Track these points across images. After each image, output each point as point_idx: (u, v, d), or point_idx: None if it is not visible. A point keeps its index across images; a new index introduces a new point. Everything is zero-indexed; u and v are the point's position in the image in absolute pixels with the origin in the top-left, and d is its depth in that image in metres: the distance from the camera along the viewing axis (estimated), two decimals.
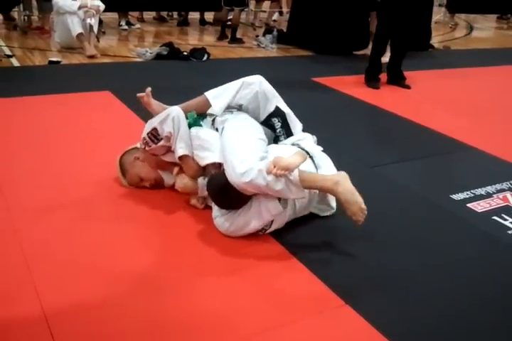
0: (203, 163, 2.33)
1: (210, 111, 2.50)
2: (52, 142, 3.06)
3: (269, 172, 2.00)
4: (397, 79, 5.10)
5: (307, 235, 2.26)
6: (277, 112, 2.46)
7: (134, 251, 2.12)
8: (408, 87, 5.03)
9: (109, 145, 3.08)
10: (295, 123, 2.53)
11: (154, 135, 2.42)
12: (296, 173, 2.05)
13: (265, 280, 1.99)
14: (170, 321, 1.74)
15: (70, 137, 3.16)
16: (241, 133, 2.27)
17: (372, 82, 5.00)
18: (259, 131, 2.37)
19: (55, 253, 2.04)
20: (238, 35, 6.98)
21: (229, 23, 7.04)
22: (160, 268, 2.02)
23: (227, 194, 2.09)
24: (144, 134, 2.46)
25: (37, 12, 6.64)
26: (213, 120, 2.48)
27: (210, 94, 2.48)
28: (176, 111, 2.41)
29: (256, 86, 2.43)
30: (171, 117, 2.37)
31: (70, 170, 2.74)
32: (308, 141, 2.46)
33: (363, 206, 2.08)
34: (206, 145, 2.33)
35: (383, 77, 5.12)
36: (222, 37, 6.94)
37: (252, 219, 2.14)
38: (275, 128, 2.48)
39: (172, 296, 1.86)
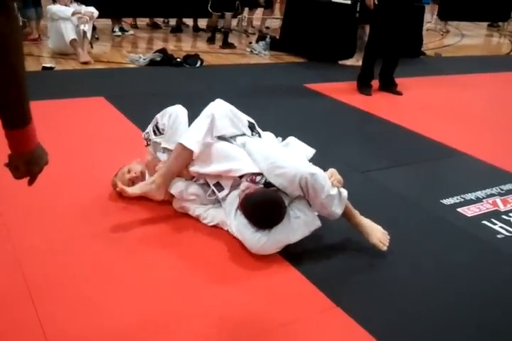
0: (239, 173, 2.23)
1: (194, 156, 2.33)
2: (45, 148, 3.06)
3: None
4: (388, 86, 5.15)
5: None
6: (252, 125, 2.44)
7: (130, 268, 2.12)
8: (400, 94, 5.09)
9: (103, 151, 3.10)
10: (261, 132, 2.52)
11: (158, 127, 2.53)
12: (345, 191, 2.19)
13: (256, 284, 2.01)
14: (156, 328, 1.75)
15: (63, 143, 3.17)
16: (271, 144, 2.40)
17: (364, 88, 5.05)
18: None
19: (57, 280, 2.02)
20: (231, 41, 7.03)
21: (222, 28, 7.12)
22: (149, 276, 2.04)
23: (270, 211, 2.11)
24: (150, 127, 2.58)
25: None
26: None
27: (183, 140, 2.30)
28: (175, 108, 2.52)
29: (228, 112, 2.34)
30: (168, 113, 2.50)
31: (64, 177, 2.73)
32: (295, 145, 2.48)
33: (384, 231, 2.24)
34: (232, 154, 2.27)
35: (375, 83, 5.16)
36: (211, 40, 7.04)
37: (290, 234, 2.14)
38: (255, 135, 2.48)
39: (162, 303, 1.87)
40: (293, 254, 2.18)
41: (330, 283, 2.03)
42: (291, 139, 2.52)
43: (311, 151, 2.47)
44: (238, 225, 2.18)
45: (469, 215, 2.71)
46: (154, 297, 1.88)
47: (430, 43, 8.40)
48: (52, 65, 5.08)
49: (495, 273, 2.23)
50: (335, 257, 2.22)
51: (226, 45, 6.91)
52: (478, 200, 2.89)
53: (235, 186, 2.27)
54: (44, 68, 4.97)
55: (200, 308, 1.85)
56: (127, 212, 2.45)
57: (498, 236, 2.53)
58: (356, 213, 2.28)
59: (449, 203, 2.83)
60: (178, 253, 2.17)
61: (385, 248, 2.21)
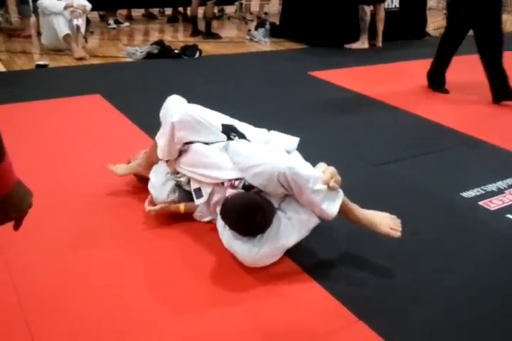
0: (215, 181, 2.06)
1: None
2: (42, 150, 2.92)
3: (326, 183, 1.90)
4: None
5: (317, 249, 2.12)
6: (227, 128, 2.21)
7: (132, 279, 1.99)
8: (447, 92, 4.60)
9: (101, 152, 2.95)
10: (248, 130, 2.30)
11: None
12: (341, 190, 1.98)
13: (276, 299, 1.85)
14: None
15: (60, 145, 3.03)
16: (252, 144, 2.16)
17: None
18: None
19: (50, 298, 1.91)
20: (230, 29, 6.81)
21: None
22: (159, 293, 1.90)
23: (251, 214, 1.89)
24: None
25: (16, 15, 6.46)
26: None
27: (157, 138, 2.29)
28: (168, 99, 2.35)
29: (191, 123, 2.11)
30: (164, 106, 2.34)
31: (63, 180, 2.60)
32: (276, 139, 2.27)
33: (393, 216, 2.03)
34: (211, 160, 2.09)
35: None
36: (195, 33, 6.60)
37: (284, 239, 1.95)
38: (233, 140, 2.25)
39: (176, 317, 1.74)
40: (311, 266, 2.02)
41: (351, 295, 1.87)
42: (272, 134, 2.31)
43: (295, 141, 2.27)
44: (228, 239, 1.98)
45: (492, 209, 2.55)
46: (169, 311, 1.75)
47: (434, 23, 8.17)
48: (46, 62, 4.90)
49: None
50: (354, 266, 2.05)
51: (209, 35, 6.53)
52: (500, 192, 2.72)
53: (219, 196, 2.08)
54: (38, 66, 4.79)
55: (219, 325, 1.70)
56: (128, 214, 2.31)
57: None
58: (355, 206, 2.04)
59: (469, 196, 2.66)
60: (187, 266, 2.01)
61: (398, 234, 1.98)
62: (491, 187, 2.77)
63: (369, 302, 1.86)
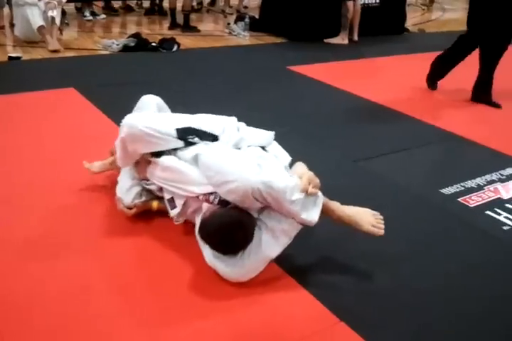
0: (189, 195, 1.98)
1: None
2: (14, 146, 2.83)
3: (304, 191, 1.79)
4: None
5: (300, 253, 2.05)
6: (183, 132, 2.07)
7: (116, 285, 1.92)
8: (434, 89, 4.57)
9: (74, 147, 2.87)
10: (211, 124, 2.17)
11: None
12: (321, 194, 1.88)
13: (259, 300, 1.81)
14: None
15: (32, 140, 2.93)
16: (222, 152, 2.00)
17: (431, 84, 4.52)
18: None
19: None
20: (210, 22, 6.72)
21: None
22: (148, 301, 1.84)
23: (234, 235, 1.79)
24: None
25: None
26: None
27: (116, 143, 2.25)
28: (140, 99, 2.40)
29: (139, 135, 1.99)
30: (136, 107, 2.40)
31: (36, 178, 2.51)
32: (250, 137, 2.16)
33: (374, 212, 1.95)
34: (190, 179, 1.95)
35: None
36: (173, 26, 6.49)
37: (267, 251, 1.87)
38: (195, 142, 2.08)
39: (165, 325, 1.68)
40: (293, 268, 1.98)
41: (333, 297, 1.84)
42: (244, 131, 2.20)
43: (269, 136, 2.19)
44: (209, 256, 1.91)
45: (471, 205, 2.54)
46: (157, 319, 1.69)
47: (413, 19, 8.19)
48: (19, 55, 4.77)
49: (505, 267, 2.08)
50: (335, 268, 2.02)
51: (188, 28, 6.40)
52: (480, 188, 2.72)
53: (195, 208, 2.01)
54: (10, 58, 4.66)
55: (201, 327, 1.66)
56: (100, 215, 2.25)
57: (504, 227, 2.37)
58: (335, 205, 1.96)
59: (448, 192, 2.65)
60: (165, 274, 1.94)
61: (381, 232, 1.91)
62: (471, 183, 2.76)
63: (350, 303, 1.83)
